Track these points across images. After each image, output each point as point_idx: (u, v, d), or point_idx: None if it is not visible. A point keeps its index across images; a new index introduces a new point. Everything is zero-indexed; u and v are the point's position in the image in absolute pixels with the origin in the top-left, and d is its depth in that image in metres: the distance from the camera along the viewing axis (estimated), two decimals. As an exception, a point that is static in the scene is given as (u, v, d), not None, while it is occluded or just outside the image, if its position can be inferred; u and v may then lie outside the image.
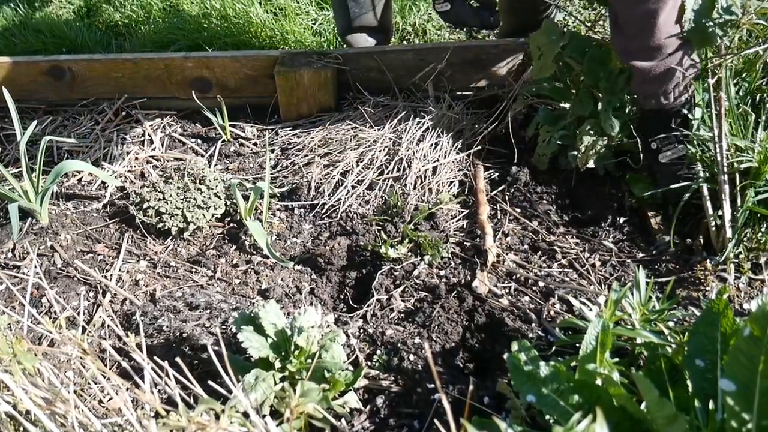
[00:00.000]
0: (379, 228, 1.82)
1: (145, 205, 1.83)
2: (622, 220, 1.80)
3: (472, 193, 1.93)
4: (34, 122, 1.96)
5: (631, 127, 1.81)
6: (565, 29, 1.94)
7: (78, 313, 1.59)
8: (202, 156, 2.18)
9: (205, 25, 2.82)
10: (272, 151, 2.14)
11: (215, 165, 2.13)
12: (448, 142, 2.04)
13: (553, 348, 1.40)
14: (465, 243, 1.77)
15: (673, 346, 1.18)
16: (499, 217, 1.86)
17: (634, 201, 1.83)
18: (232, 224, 1.90)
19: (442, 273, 1.67)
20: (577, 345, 1.26)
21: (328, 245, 1.76)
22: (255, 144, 2.21)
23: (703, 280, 1.58)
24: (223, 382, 0.95)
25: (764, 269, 1.59)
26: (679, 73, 1.59)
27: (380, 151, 2.02)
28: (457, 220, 1.85)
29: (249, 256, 1.78)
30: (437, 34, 2.79)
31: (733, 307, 1.12)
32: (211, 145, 2.21)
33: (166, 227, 1.81)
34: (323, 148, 2.08)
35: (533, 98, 2.01)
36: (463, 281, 1.64)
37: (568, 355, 1.37)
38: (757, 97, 1.78)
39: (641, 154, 1.80)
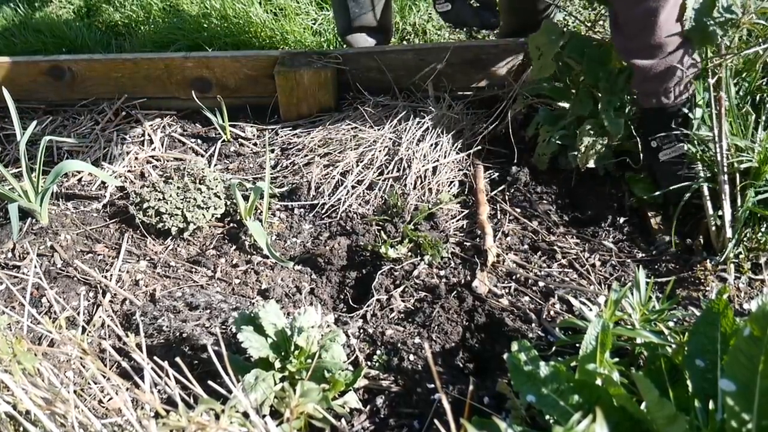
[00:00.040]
0: (379, 228, 1.82)
1: (145, 205, 1.83)
2: (622, 220, 1.80)
3: (472, 193, 1.93)
4: (34, 122, 1.96)
5: (631, 127, 1.80)
6: (565, 29, 1.94)
7: (78, 313, 1.59)
8: (202, 156, 2.18)
9: (205, 25, 2.82)
10: (272, 151, 2.14)
11: (215, 165, 2.13)
12: (448, 142, 2.04)
13: (553, 348, 1.40)
14: (465, 243, 1.77)
15: (673, 346, 1.18)
16: (499, 217, 1.86)
17: (634, 201, 1.83)
18: (232, 224, 1.90)
19: (442, 273, 1.67)
20: (577, 345, 1.26)
21: (328, 245, 1.76)
22: (255, 144, 2.21)
23: (703, 280, 1.58)
24: (223, 382, 0.95)
25: (764, 269, 1.59)
26: (680, 71, 1.59)
27: (380, 151, 2.02)
28: (457, 220, 1.85)
29: (249, 256, 1.78)
30: (437, 34, 2.79)
31: (733, 307, 1.12)
32: (211, 145, 2.21)
33: (166, 227, 1.81)
34: (323, 148, 2.08)
35: (533, 98, 2.01)
36: (463, 281, 1.64)
37: (568, 355, 1.37)
38: (757, 97, 1.78)
39: (641, 154, 1.81)
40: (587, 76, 1.80)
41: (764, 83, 1.80)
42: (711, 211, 1.64)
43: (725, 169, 1.60)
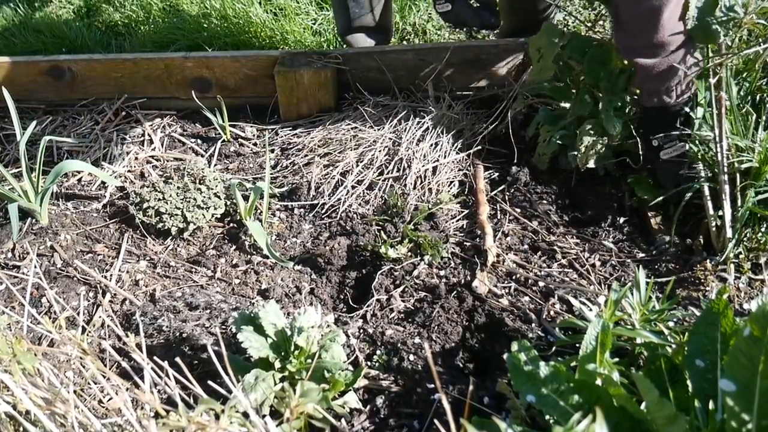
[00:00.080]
0: (379, 228, 1.82)
1: (144, 205, 1.83)
2: (622, 220, 1.80)
3: (472, 193, 1.93)
4: (34, 122, 1.96)
5: (631, 127, 1.80)
6: (565, 29, 1.94)
7: (78, 313, 1.59)
8: (202, 156, 2.18)
9: (205, 25, 2.82)
10: (272, 151, 2.14)
11: (215, 165, 2.13)
12: (448, 142, 2.04)
13: (553, 348, 1.40)
14: (465, 243, 1.77)
15: (673, 346, 1.18)
16: (499, 217, 1.86)
17: (634, 201, 1.83)
18: (232, 224, 1.90)
19: (442, 273, 1.67)
20: (577, 345, 1.26)
21: (328, 245, 1.76)
22: (255, 144, 2.21)
23: (703, 280, 1.58)
24: (223, 382, 0.95)
25: (764, 269, 1.59)
26: (682, 70, 1.59)
27: (380, 151, 2.02)
28: (457, 220, 1.85)
29: (249, 256, 1.78)
30: (437, 34, 2.79)
31: (733, 307, 1.12)
32: (211, 145, 2.21)
33: (166, 227, 1.81)
34: (323, 148, 2.08)
35: (533, 98, 2.01)
36: (463, 281, 1.64)
37: (568, 355, 1.37)
38: (758, 97, 1.78)
39: (641, 154, 1.80)
40: (588, 76, 1.80)
41: (764, 83, 1.80)
42: (711, 211, 1.64)
43: (725, 169, 1.60)
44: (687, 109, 1.67)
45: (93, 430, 0.97)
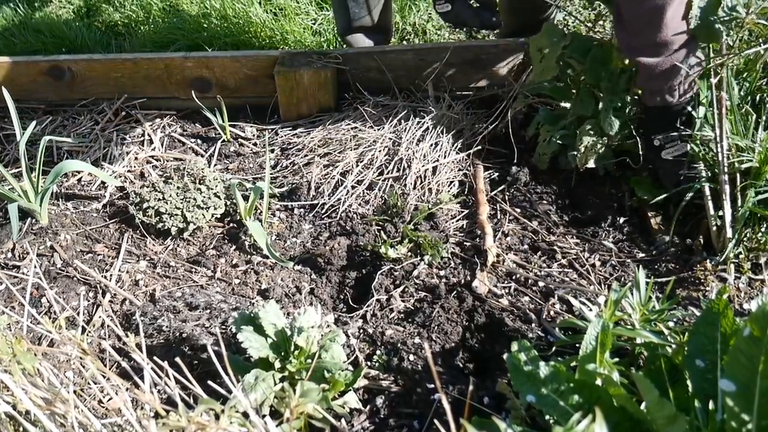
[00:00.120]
0: (379, 228, 1.82)
1: (144, 205, 1.83)
2: (622, 220, 1.80)
3: (472, 193, 1.93)
4: (34, 122, 1.96)
5: (631, 127, 1.80)
6: (566, 29, 1.94)
7: (78, 313, 1.59)
8: (202, 156, 2.18)
9: (205, 25, 2.82)
10: (272, 151, 2.14)
11: (215, 165, 2.13)
12: (448, 142, 2.03)
13: (553, 348, 1.40)
14: (465, 243, 1.77)
15: (673, 346, 1.18)
16: (499, 217, 1.86)
17: (634, 201, 1.83)
18: (231, 224, 1.90)
19: (442, 273, 1.67)
20: (577, 345, 1.26)
21: (328, 245, 1.76)
22: (255, 144, 2.21)
23: (703, 280, 1.58)
24: (222, 383, 0.95)
25: (764, 269, 1.59)
26: (685, 69, 1.59)
27: (380, 151, 2.02)
28: (457, 220, 1.85)
29: (249, 256, 1.78)
30: (437, 34, 2.79)
31: (733, 307, 1.12)
32: (210, 145, 2.21)
33: (166, 227, 1.81)
34: (323, 148, 2.08)
35: (534, 97, 2.01)
36: (463, 281, 1.64)
37: (568, 355, 1.37)
38: (758, 97, 1.78)
39: (641, 154, 1.80)
40: (589, 76, 1.80)
41: (764, 83, 1.80)
42: (712, 211, 1.64)
43: (726, 169, 1.60)
44: (689, 108, 1.67)
45: (93, 430, 0.96)
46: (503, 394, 1.31)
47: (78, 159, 2.09)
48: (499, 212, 1.88)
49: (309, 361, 1.26)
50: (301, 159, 2.07)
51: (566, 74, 1.88)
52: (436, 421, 1.25)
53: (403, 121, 2.10)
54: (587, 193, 1.91)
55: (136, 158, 2.14)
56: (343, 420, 1.29)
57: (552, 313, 1.54)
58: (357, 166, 1.99)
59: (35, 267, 1.70)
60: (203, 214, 1.84)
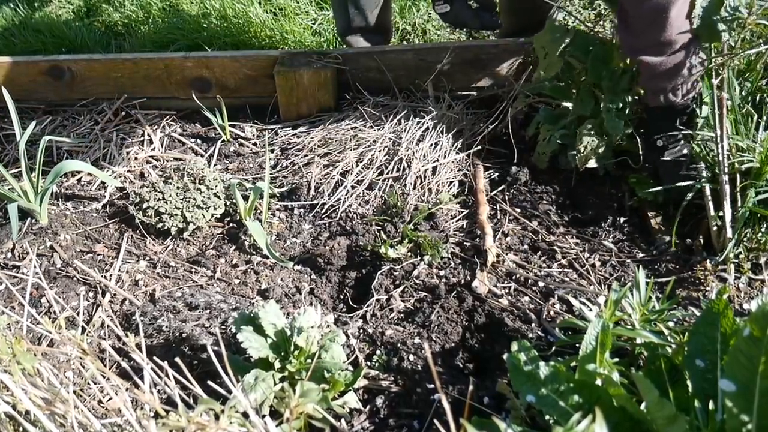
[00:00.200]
0: (379, 228, 1.82)
1: (144, 205, 1.83)
2: (622, 220, 1.80)
3: (471, 193, 1.92)
4: (34, 122, 1.96)
5: (632, 127, 1.80)
6: (568, 28, 1.94)
7: (77, 313, 1.59)
8: (202, 156, 2.18)
9: (205, 25, 2.82)
10: (272, 151, 2.14)
11: (215, 165, 2.13)
12: (447, 142, 2.03)
13: (553, 348, 1.39)
14: (465, 243, 1.77)
15: (673, 346, 1.18)
16: (498, 217, 1.86)
17: (634, 201, 1.83)
18: (231, 224, 1.90)
19: (441, 273, 1.67)
20: (577, 345, 1.26)
21: (328, 245, 1.76)
22: (255, 144, 2.21)
23: (703, 280, 1.58)
24: (222, 383, 0.95)
25: (764, 269, 1.59)
26: (688, 69, 1.59)
27: (380, 151, 2.02)
28: (457, 220, 1.85)
29: (248, 256, 1.78)
30: (437, 34, 2.79)
31: (733, 307, 1.12)
32: (210, 145, 2.21)
33: (166, 227, 1.81)
34: (323, 148, 2.08)
35: (534, 97, 2.01)
36: (462, 281, 1.64)
37: (568, 355, 1.37)
38: (758, 98, 1.78)
39: (641, 154, 1.80)
40: (590, 75, 1.80)
41: (765, 83, 1.80)
42: (712, 212, 1.64)
43: (726, 169, 1.60)
44: (694, 106, 1.67)
45: (93, 430, 0.96)
46: (503, 394, 1.31)
47: (78, 159, 2.09)
48: (499, 212, 1.88)
49: (309, 361, 1.26)
50: (301, 159, 2.07)
51: (567, 73, 1.88)
52: (436, 421, 1.25)
53: (403, 121, 2.10)
54: (587, 193, 1.91)
55: (135, 158, 2.14)
56: (343, 420, 1.29)
57: (552, 313, 1.54)
58: (357, 166, 1.99)
59: (35, 267, 1.70)
60: (203, 214, 1.84)
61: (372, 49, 2.26)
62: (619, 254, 1.70)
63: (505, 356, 1.14)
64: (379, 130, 2.09)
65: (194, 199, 1.84)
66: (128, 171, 2.09)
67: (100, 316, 1.58)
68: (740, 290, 1.56)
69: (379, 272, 1.66)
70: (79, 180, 2.08)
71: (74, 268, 1.73)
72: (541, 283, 1.63)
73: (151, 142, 2.21)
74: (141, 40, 2.84)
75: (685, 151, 1.70)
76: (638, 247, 1.73)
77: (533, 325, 1.50)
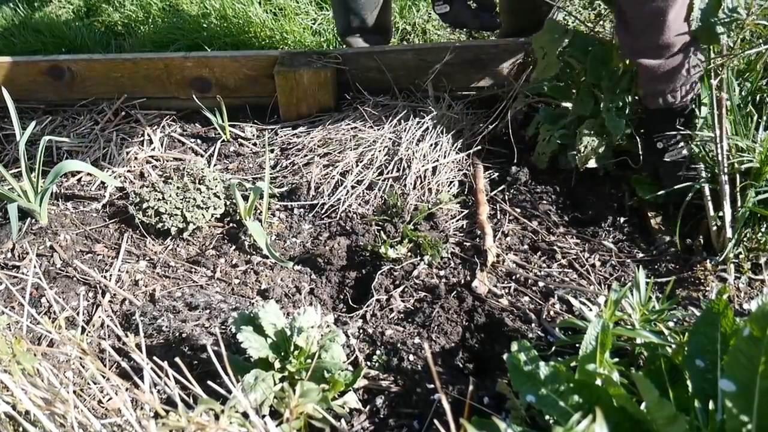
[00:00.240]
0: (379, 228, 1.82)
1: (144, 205, 1.83)
2: (622, 220, 1.80)
3: (471, 193, 1.92)
4: (34, 122, 1.96)
5: (632, 126, 1.80)
6: (567, 28, 1.94)
7: (77, 313, 1.59)
8: (202, 156, 2.18)
9: (205, 25, 2.82)
10: (272, 151, 2.14)
11: (215, 165, 2.13)
12: (447, 142, 2.03)
13: (553, 348, 1.39)
14: (465, 243, 1.77)
15: (673, 346, 1.18)
16: (498, 217, 1.86)
17: (634, 201, 1.83)
18: (231, 224, 1.90)
19: (441, 273, 1.67)
20: (577, 345, 1.26)
21: (328, 245, 1.76)
22: (254, 144, 2.21)
23: (703, 280, 1.58)
24: (222, 383, 0.95)
25: (764, 269, 1.59)
26: (687, 71, 1.59)
27: (380, 151, 2.02)
28: (457, 220, 1.85)
29: (248, 256, 1.78)
30: (437, 34, 2.79)
31: (733, 307, 1.12)
32: (210, 145, 2.21)
33: (166, 227, 1.81)
34: (323, 148, 2.08)
35: (533, 97, 2.01)
36: (462, 281, 1.64)
37: (568, 355, 1.37)
38: (758, 98, 1.78)
39: (641, 154, 1.80)
40: (590, 75, 1.80)
41: (765, 83, 1.80)
42: (712, 212, 1.64)
43: (726, 170, 1.60)
44: (693, 106, 1.66)
45: (92, 430, 0.96)
46: (503, 394, 1.30)
47: (78, 159, 2.09)
48: (499, 212, 1.88)
49: (309, 361, 1.26)
50: (300, 159, 2.07)
51: (566, 73, 1.88)
52: (435, 421, 1.25)
53: (402, 121, 2.10)
54: (587, 193, 1.91)
55: (135, 158, 2.14)
56: (342, 420, 1.29)
57: (552, 313, 1.54)
58: (357, 166, 1.99)
59: (35, 267, 1.70)
60: (203, 214, 1.84)
61: (372, 49, 2.26)
62: (619, 254, 1.70)
63: (505, 356, 1.14)
64: (379, 130, 2.09)
65: (194, 199, 1.84)
66: (128, 171, 2.09)
67: (100, 316, 1.58)
68: (740, 290, 1.56)
69: (379, 272, 1.66)
70: (79, 180, 2.08)
71: (74, 268, 1.72)
72: (541, 283, 1.63)
73: (151, 142, 2.21)
74: (141, 40, 2.84)
75: (685, 152, 1.70)
76: (638, 247, 1.73)
77: (533, 325, 1.50)
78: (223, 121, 2.18)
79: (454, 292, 1.59)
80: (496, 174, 2.01)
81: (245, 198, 1.84)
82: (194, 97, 2.25)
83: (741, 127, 1.67)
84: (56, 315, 1.58)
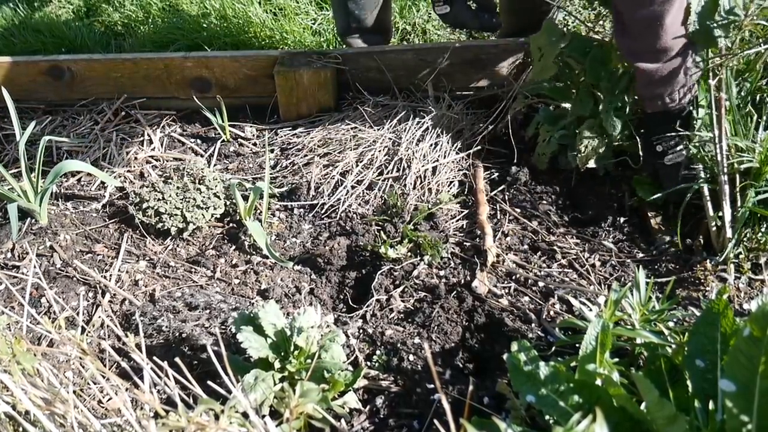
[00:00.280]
0: (379, 228, 1.82)
1: (144, 205, 1.83)
2: (622, 220, 1.80)
3: (471, 193, 1.92)
4: (33, 122, 1.96)
5: (631, 127, 1.80)
6: (566, 29, 1.94)
7: (77, 314, 1.59)
8: (202, 156, 2.18)
9: (205, 25, 2.82)
10: (272, 151, 2.14)
11: (215, 165, 2.13)
12: (447, 142, 2.03)
13: (553, 348, 1.40)
14: (465, 243, 1.77)
15: (673, 346, 1.18)
16: (498, 217, 1.86)
17: (634, 200, 1.83)
18: (231, 224, 1.90)
19: (441, 273, 1.67)
20: (577, 345, 1.26)
21: (328, 245, 1.76)
22: (254, 144, 2.21)
23: (703, 280, 1.58)
24: (222, 383, 0.95)
25: (764, 269, 1.59)
26: (684, 74, 1.59)
27: (380, 151, 2.02)
28: (457, 220, 1.85)
29: (248, 256, 1.78)
30: (437, 34, 2.79)
31: (733, 307, 1.12)
32: (210, 145, 2.21)
33: (166, 227, 1.81)
34: (323, 148, 2.08)
35: (533, 98, 2.01)
36: (462, 281, 1.64)
37: (568, 356, 1.37)
38: (758, 98, 1.78)
39: (641, 154, 1.80)
40: (589, 76, 1.80)
41: (765, 83, 1.80)
42: (711, 212, 1.64)
43: (725, 170, 1.60)
44: (690, 108, 1.66)
45: (92, 430, 0.96)
46: (503, 394, 1.31)
47: (78, 159, 2.09)
48: (498, 212, 1.88)
49: (309, 361, 1.26)
50: (300, 159, 2.07)
51: (566, 74, 1.88)
52: (435, 421, 1.25)
53: (402, 121, 2.10)
54: (587, 193, 1.91)
55: (135, 158, 2.14)
56: (342, 420, 1.29)
57: (552, 313, 1.54)
58: (357, 166, 1.99)
59: (35, 267, 1.70)
60: (203, 214, 1.84)
61: (372, 49, 2.26)
62: (619, 254, 1.70)
63: (505, 356, 1.14)
64: (378, 130, 2.09)
65: (194, 199, 1.84)
66: (128, 171, 2.09)
67: (99, 316, 1.58)
68: (740, 290, 1.56)
69: (379, 272, 1.66)
70: (78, 180, 2.08)
71: (74, 268, 1.72)
72: (541, 283, 1.63)
73: (151, 142, 2.21)
74: (141, 40, 2.84)
75: (685, 154, 1.69)
76: (638, 247, 1.73)
77: (533, 325, 1.50)
78: (223, 121, 2.18)
79: (454, 292, 1.59)
80: (496, 174, 2.01)
81: (245, 198, 1.84)
82: (194, 97, 2.25)
83: (740, 127, 1.66)
84: (56, 315, 1.58)
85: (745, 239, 1.62)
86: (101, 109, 2.33)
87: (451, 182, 1.97)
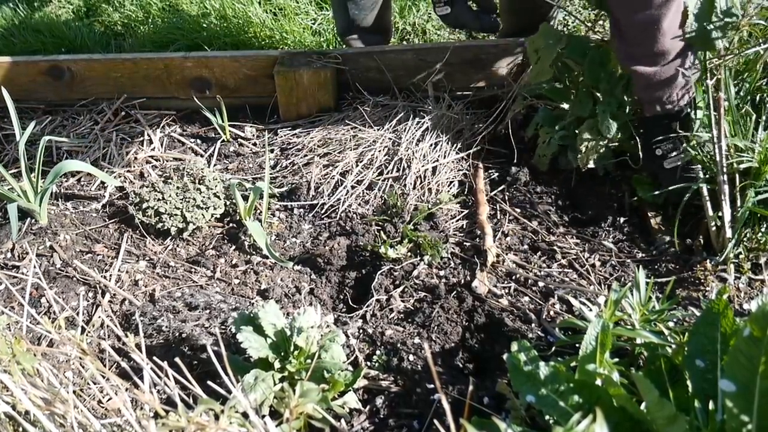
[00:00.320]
0: (379, 228, 1.82)
1: (144, 205, 1.83)
2: (622, 220, 1.80)
3: (471, 193, 1.92)
4: (33, 122, 1.96)
5: (631, 127, 1.80)
6: (564, 30, 1.94)
7: (77, 314, 1.59)
8: (202, 156, 2.18)
9: (205, 25, 2.82)
10: (272, 151, 2.14)
11: (214, 165, 2.13)
12: (447, 142, 2.03)
13: (553, 348, 1.39)
14: (465, 243, 1.77)
15: (673, 346, 1.18)
16: (498, 217, 1.86)
17: (634, 201, 1.83)
18: (231, 224, 1.90)
19: (441, 273, 1.67)
20: (577, 345, 1.26)
21: (328, 245, 1.76)
22: (254, 144, 2.21)
23: (703, 280, 1.58)
24: (222, 383, 0.95)
25: (764, 269, 1.59)
26: (682, 77, 1.59)
27: (380, 151, 2.02)
28: (457, 220, 1.85)
29: (248, 257, 1.78)
30: (437, 34, 2.79)
31: (733, 307, 1.12)
32: (210, 145, 2.21)
33: (166, 227, 1.81)
34: (323, 148, 2.08)
35: (532, 99, 2.01)
36: (462, 281, 1.64)
37: (568, 356, 1.37)
38: (757, 97, 1.78)
39: (641, 155, 1.80)
40: (588, 77, 1.80)
41: (764, 83, 1.80)
42: (711, 212, 1.64)
43: (724, 170, 1.60)
44: (689, 110, 1.66)
45: (92, 430, 0.96)
46: (503, 394, 1.30)
47: (77, 159, 2.09)
48: (498, 212, 1.88)
49: (309, 361, 1.26)
50: (300, 159, 2.07)
51: (565, 75, 1.88)
52: (435, 422, 1.25)
53: (402, 121, 2.10)
54: (587, 193, 1.91)
55: (135, 158, 2.14)
56: (342, 420, 1.29)
57: (552, 313, 1.54)
58: (357, 166, 1.99)
59: (35, 267, 1.70)
60: (203, 214, 1.84)
61: (372, 49, 2.26)
62: (619, 254, 1.70)
63: (505, 356, 1.14)
64: (378, 130, 2.09)
65: (194, 199, 1.84)
66: (128, 171, 2.09)
67: (99, 316, 1.58)
68: (740, 290, 1.56)
69: (379, 272, 1.66)
70: (78, 180, 2.08)
71: (74, 268, 1.72)
72: (541, 283, 1.63)
73: (150, 142, 2.21)
74: (141, 40, 2.84)
75: (684, 156, 1.69)
76: (638, 247, 1.73)
77: (533, 325, 1.50)
78: (222, 121, 2.18)
79: (454, 292, 1.59)
80: (496, 174, 2.01)
81: (245, 198, 1.84)
82: (194, 97, 2.25)
83: (740, 128, 1.66)
84: (56, 315, 1.58)
85: (745, 239, 1.62)
86: (101, 109, 2.33)
87: (451, 182, 1.97)
